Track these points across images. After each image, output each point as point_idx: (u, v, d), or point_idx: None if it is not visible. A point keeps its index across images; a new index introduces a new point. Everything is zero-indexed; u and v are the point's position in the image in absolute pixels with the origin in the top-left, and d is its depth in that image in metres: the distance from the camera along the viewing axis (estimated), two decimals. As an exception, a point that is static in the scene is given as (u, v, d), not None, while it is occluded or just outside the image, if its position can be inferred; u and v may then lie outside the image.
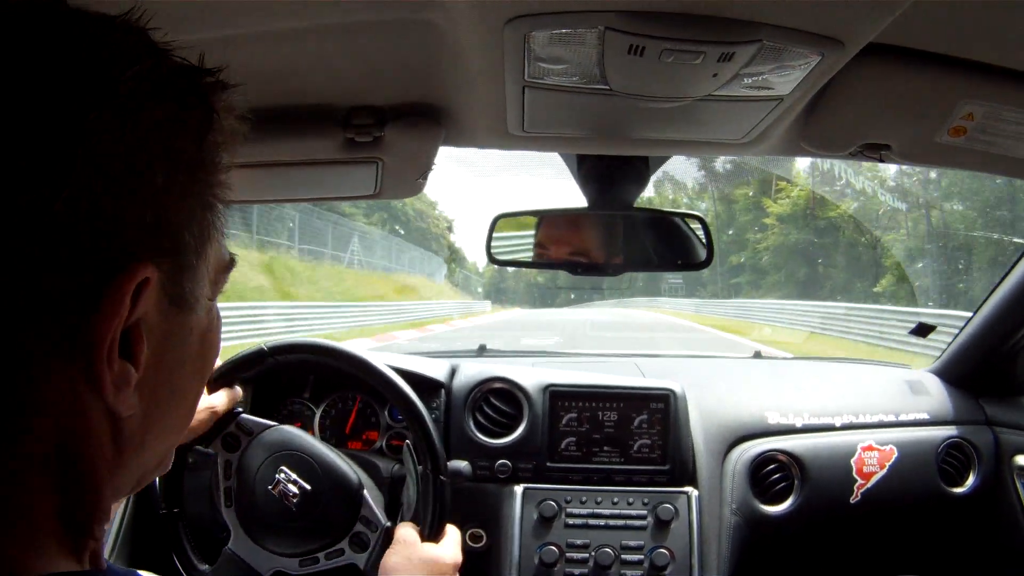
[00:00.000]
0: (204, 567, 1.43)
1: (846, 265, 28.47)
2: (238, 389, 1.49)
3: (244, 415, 1.47)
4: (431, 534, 1.40)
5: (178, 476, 1.46)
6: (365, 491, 1.44)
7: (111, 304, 0.46)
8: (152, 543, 1.56)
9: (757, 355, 2.65)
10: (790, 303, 24.95)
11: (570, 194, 1.54)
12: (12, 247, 0.44)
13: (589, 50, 0.88)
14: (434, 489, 1.43)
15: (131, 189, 0.48)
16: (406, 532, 1.36)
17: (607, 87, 0.97)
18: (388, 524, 1.42)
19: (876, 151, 1.23)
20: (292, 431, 1.48)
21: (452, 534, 1.42)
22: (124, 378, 0.49)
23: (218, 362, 1.50)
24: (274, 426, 1.47)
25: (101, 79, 0.47)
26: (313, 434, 1.84)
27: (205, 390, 1.41)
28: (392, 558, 1.31)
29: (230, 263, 0.61)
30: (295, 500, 1.39)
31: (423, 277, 33.66)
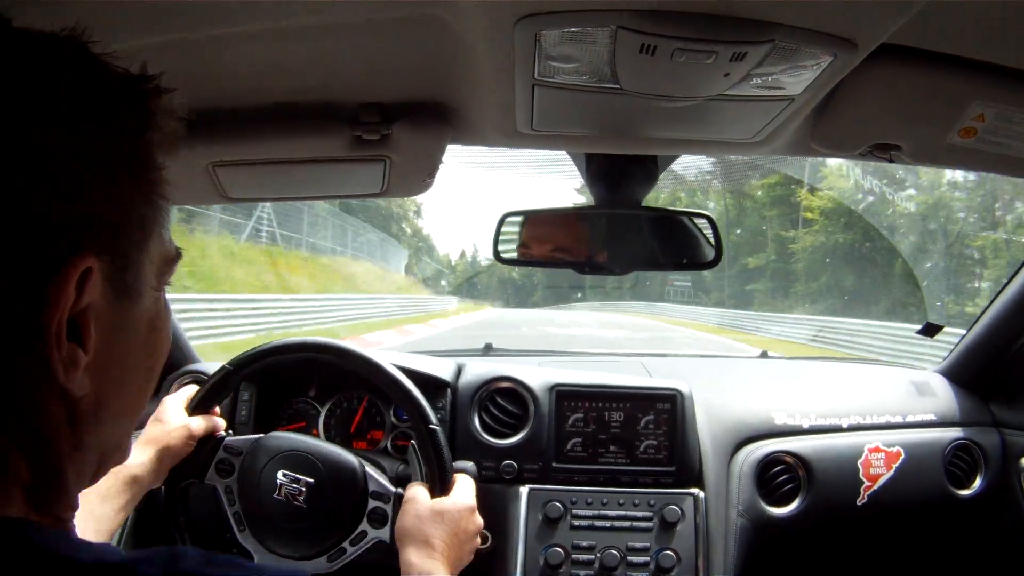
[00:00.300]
0: None
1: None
2: (219, 420, 1.49)
3: (229, 438, 1.47)
4: (441, 487, 1.39)
5: (181, 511, 1.46)
6: (367, 467, 1.45)
7: (57, 293, 0.51)
8: None
9: (764, 355, 2.65)
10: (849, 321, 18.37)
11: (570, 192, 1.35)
12: None
13: (600, 49, 0.88)
14: (432, 442, 1.42)
15: (73, 190, 0.53)
16: (414, 491, 1.36)
17: (618, 86, 0.97)
18: (399, 490, 1.42)
19: (886, 151, 1.23)
20: (279, 435, 1.48)
21: (462, 481, 1.42)
22: (73, 360, 0.54)
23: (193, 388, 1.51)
24: (260, 436, 1.47)
25: (42, 93, 0.52)
26: (317, 434, 1.84)
27: (179, 412, 1.42)
28: (404, 520, 1.31)
29: (176, 256, 0.65)
30: (302, 497, 1.39)
31: (374, 265, 29.26)
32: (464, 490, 1.40)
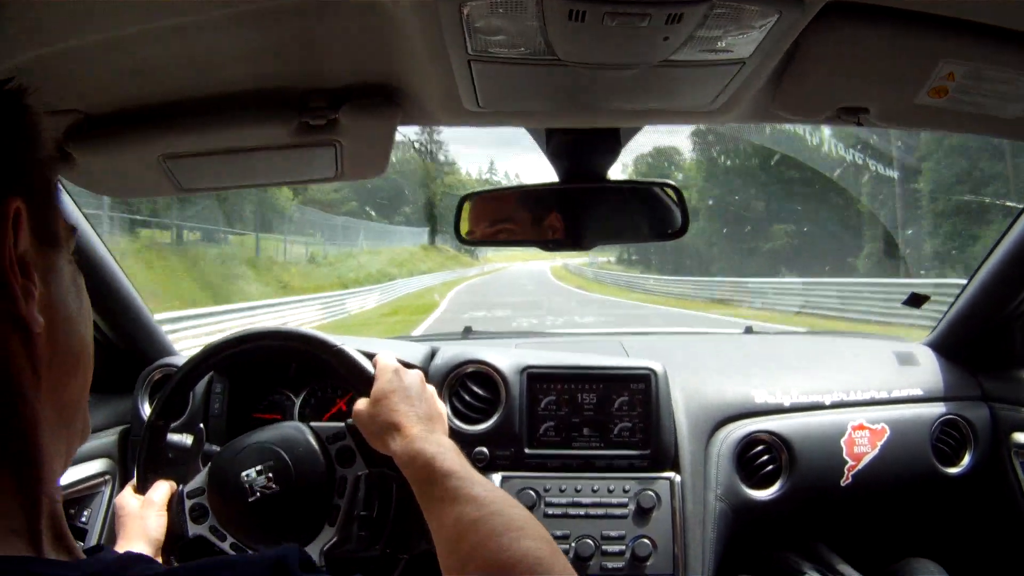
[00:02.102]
0: None
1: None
2: (167, 483, 1.45)
3: (185, 488, 1.43)
4: (364, 381, 1.39)
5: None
6: (311, 424, 1.45)
7: (2, 231, 0.57)
8: None
9: (748, 331, 2.60)
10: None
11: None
12: None
13: (529, 19, 0.84)
14: (335, 355, 1.45)
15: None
16: (356, 408, 1.34)
17: (555, 57, 0.94)
18: (348, 421, 1.41)
19: (854, 115, 1.18)
20: (225, 447, 1.45)
21: (381, 359, 1.41)
22: (28, 291, 0.58)
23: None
24: (210, 463, 1.44)
25: None
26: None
27: (137, 499, 1.40)
28: (368, 429, 1.30)
29: (73, 229, 0.69)
30: (275, 487, 1.35)
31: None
32: (385, 363, 1.38)
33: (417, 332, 10.66)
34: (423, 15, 0.88)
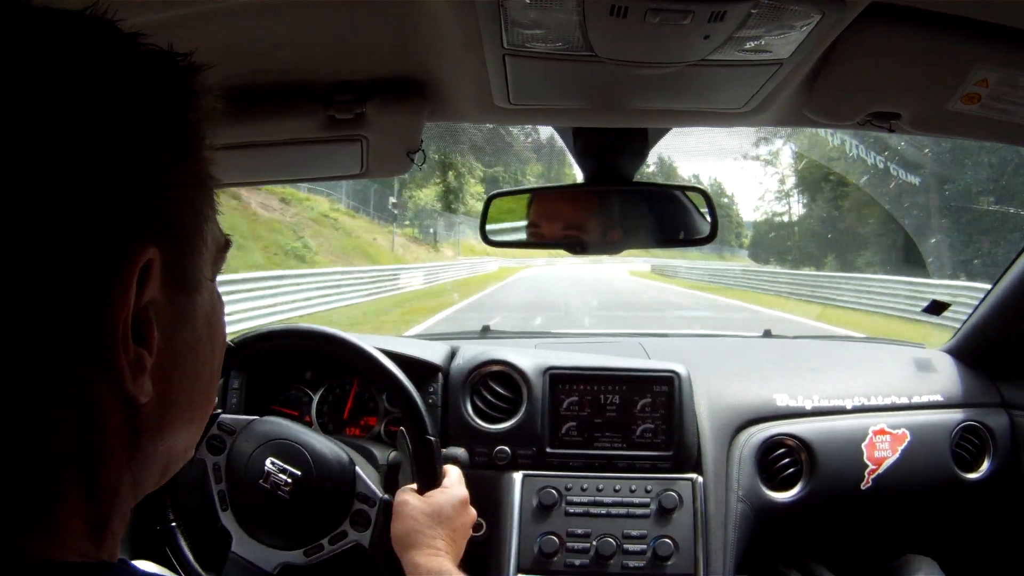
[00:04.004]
0: (211, 575, 1.41)
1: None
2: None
3: (223, 415, 1.43)
4: (429, 483, 1.36)
5: (168, 489, 1.42)
6: (357, 468, 1.40)
7: (119, 291, 0.47)
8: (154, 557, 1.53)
9: (767, 334, 2.59)
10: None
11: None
12: (16, 249, 0.44)
13: (569, 13, 0.84)
14: (422, 443, 1.38)
15: (124, 178, 0.48)
16: (403, 496, 1.33)
17: (592, 53, 0.93)
18: (386, 496, 1.37)
19: (885, 120, 1.17)
20: (274, 420, 1.44)
21: (451, 473, 1.39)
22: (139, 364, 0.49)
23: None
24: (255, 419, 1.44)
25: (80, 77, 0.47)
26: (310, 421, 1.82)
27: None
28: (398, 526, 1.28)
29: (226, 244, 0.61)
30: (288, 489, 1.35)
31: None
32: (454, 483, 1.37)
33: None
34: (459, 7, 0.87)
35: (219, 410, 1.45)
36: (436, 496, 1.32)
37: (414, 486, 1.36)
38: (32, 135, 0.45)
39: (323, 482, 1.37)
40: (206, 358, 0.59)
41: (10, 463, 0.45)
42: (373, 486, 1.38)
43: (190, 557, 1.41)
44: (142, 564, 1.35)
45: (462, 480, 1.39)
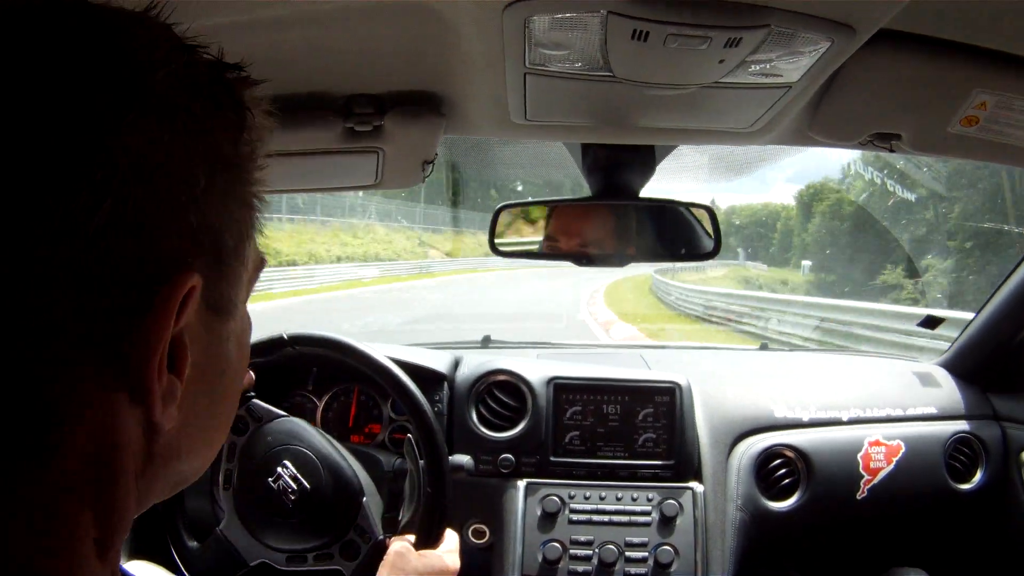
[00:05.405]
0: (192, 544, 1.41)
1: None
2: (251, 373, 1.46)
3: (255, 400, 1.44)
4: (428, 540, 1.35)
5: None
6: (365, 498, 1.40)
7: (158, 317, 0.44)
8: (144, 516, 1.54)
9: (764, 347, 2.63)
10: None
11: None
12: (51, 262, 0.40)
13: (591, 35, 0.86)
14: (434, 492, 1.37)
15: (172, 194, 0.45)
16: (399, 545, 1.31)
17: (610, 74, 0.95)
18: (382, 537, 1.37)
19: (886, 141, 1.21)
20: (300, 424, 1.44)
21: (451, 540, 1.37)
22: (171, 392, 0.46)
23: None
24: (284, 416, 1.44)
25: (134, 79, 0.44)
26: (315, 427, 1.82)
27: None
28: (385, 574, 1.25)
29: (261, 262, 0.58)
30: (293, 497, 1.35)
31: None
32: (452, 551, 1.35)
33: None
34: (484, 26, 0.87)
35: (252, 393, 1.44)
36: (432, 559, 1.30)
37: (411, 537, 1.35)
38: (76, 143, 0.41)
39: (329, 503, 1.37)
40: (232, 381, 0.56)
41: (28, 482, 0.43)
42: (375, 523, 1.38)
43: (179, 523, 1.43)
44: (143, 564, 1.37)
45: (458, 548, 1.37)
